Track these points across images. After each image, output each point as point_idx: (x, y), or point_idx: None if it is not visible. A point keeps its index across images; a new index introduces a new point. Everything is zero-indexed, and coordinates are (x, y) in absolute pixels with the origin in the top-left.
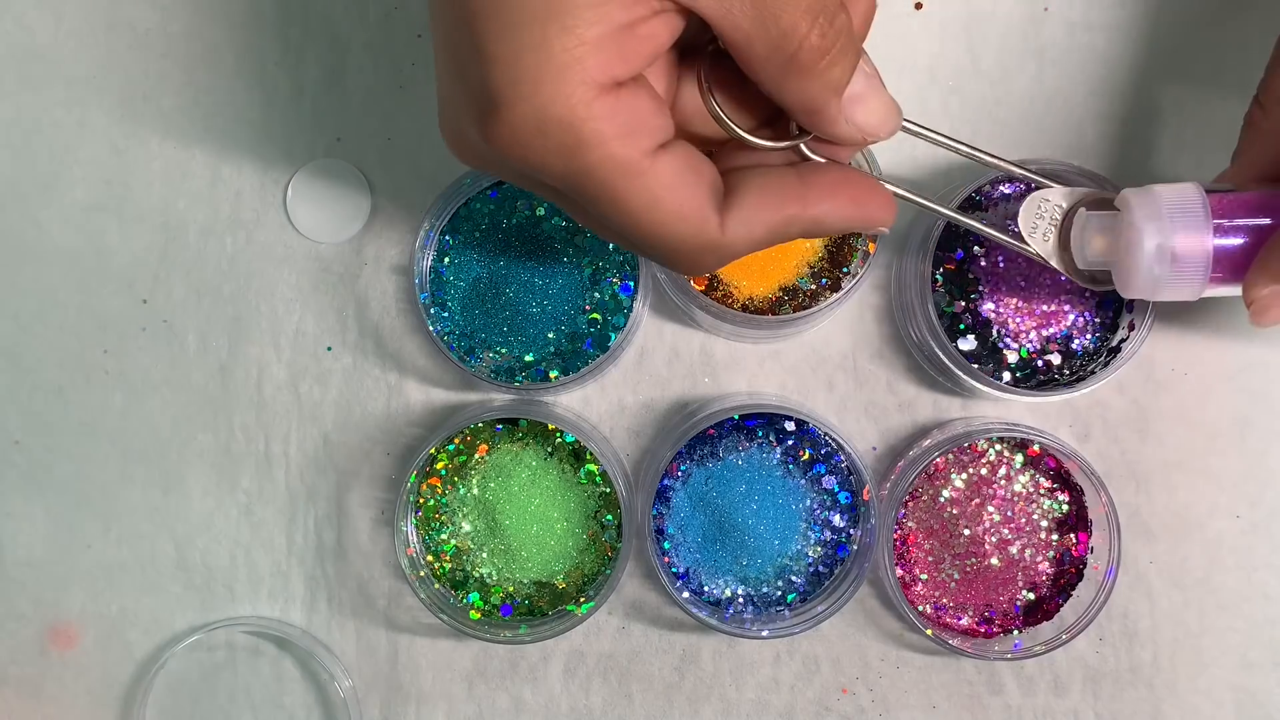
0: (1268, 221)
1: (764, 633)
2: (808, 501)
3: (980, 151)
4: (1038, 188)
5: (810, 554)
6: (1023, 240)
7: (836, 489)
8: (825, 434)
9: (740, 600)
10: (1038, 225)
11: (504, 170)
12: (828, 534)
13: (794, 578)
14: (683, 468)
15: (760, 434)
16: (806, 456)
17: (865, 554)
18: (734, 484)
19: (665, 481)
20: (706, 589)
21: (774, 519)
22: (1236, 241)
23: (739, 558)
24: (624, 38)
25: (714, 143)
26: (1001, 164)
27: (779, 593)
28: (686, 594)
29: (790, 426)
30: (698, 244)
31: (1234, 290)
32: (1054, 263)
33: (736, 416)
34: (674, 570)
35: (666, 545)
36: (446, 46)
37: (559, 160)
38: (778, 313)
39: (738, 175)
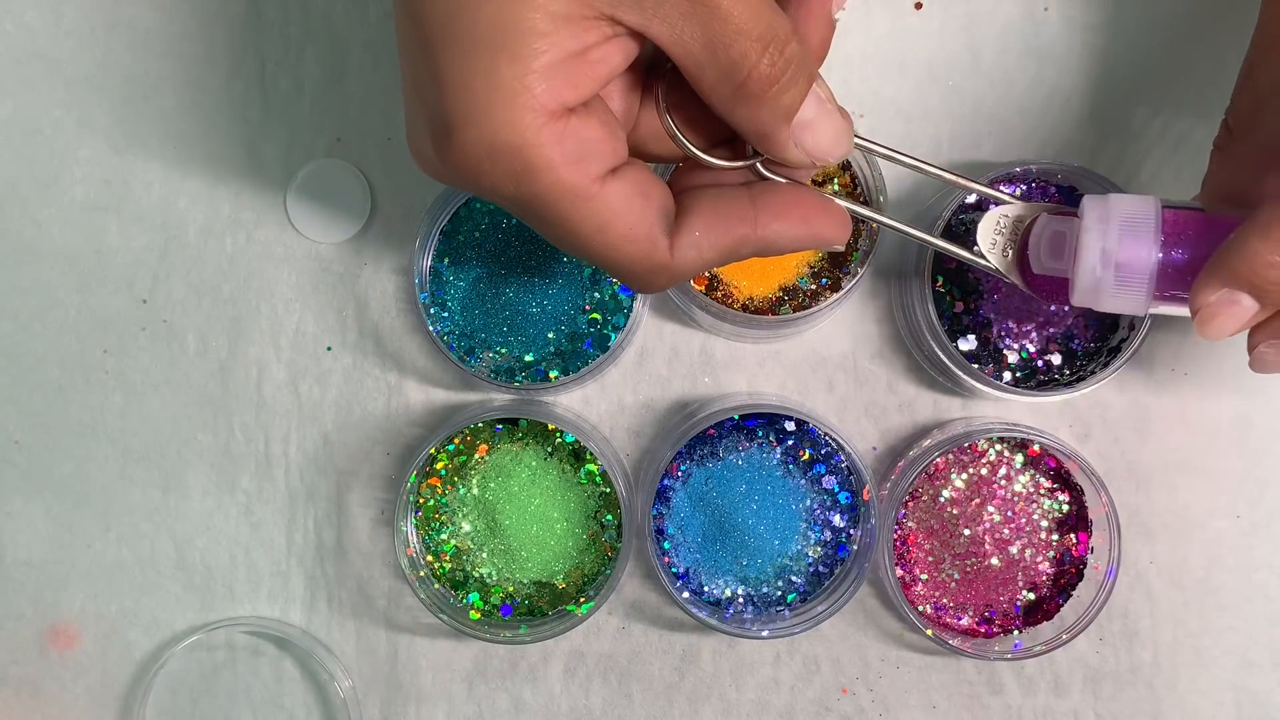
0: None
1: (764, 633)
2: (808, 501)
3: (931, 166)
4: (996, 202)
5: (810, 554)
6: (983, 256)
7: (836, 489)
8: (825, 434)
9: (740, 600)
10: (996, 241)
11: (463, 187)
12: (828, 534)
13: (794, 578)
14: (683, 468)
15: (760, 434)
16: (806, 456)
17: (865, 554)
18: (734, 484)
19: (665, 481)
20: (706, 589)
21: (774, 519)
22: (1187, 259)
23: (739, 558)
24: (574, 64)
25: (672, 161)
26: (955, 180)
27: (779, 593)
28: (686, 594)
29: (790, 426)
30: (647, 266)
31: (1183, 310)
32: (1013, 278)
33: (736, 416)
34: (674, 570)
35: (666, 545)
36: (407, 69)
37: (509, 184)
38: (778, 313)
39: (691, 196)
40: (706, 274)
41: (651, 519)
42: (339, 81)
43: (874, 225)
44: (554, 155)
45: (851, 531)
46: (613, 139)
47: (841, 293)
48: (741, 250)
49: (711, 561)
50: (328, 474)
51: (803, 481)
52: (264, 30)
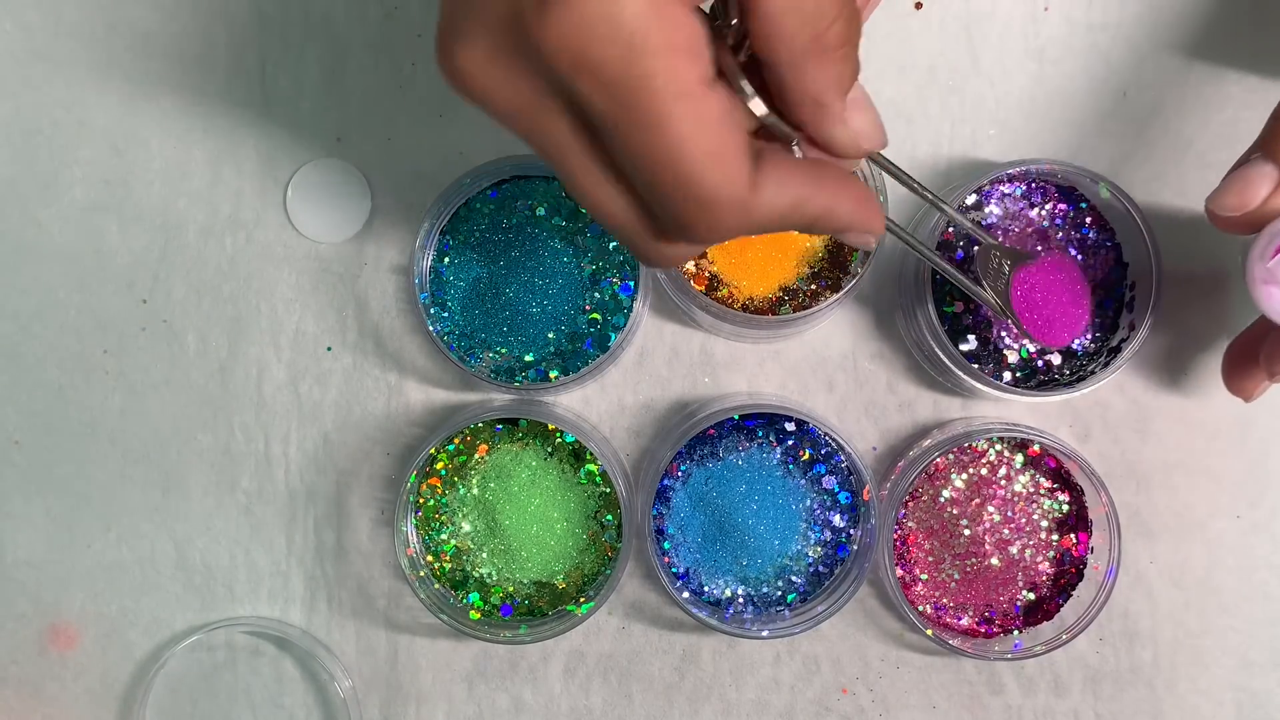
0: None
1: (764, 633)
2: (808, 501)
3: (916, 184)
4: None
5: (810, 554)
6: (979, 283)
7: (836, 489)
8: (825, 434)
9: (740, 600)
10: (989, 273)
11: (504, 90)
12: (828, 534)
13: (794, 578)
14: (683, 468)
15: (760, 434)
16: (806, 456)
17: (865, 554)
18: (734, 484)
19: (665, 481)
20: (706, 589)
21: (774, 519)
22: None
23: (739, 558)
24: None
25: None
26: (937, 203)
27: (779, 593)
28: (686, 594)
29: (790, 426)
30: (725, 195)
31: None
32: (1006, 313)
33: (736, 416)
34: (674, 570)
35: (666, 545)
36: None
37: (617, 63)
38: (778, 313)
39: (760, 147)
40: (706, 274)
41: (651, 519)
42: (339, 81)
43: None
44: (675, 39)
45: (851, 531)
46: (711, 49)
47: (841, 293)
48: (806, 209)
49: (711, 561)
50: (328, 474)
51: (803, 481)
52: (264, 30)
